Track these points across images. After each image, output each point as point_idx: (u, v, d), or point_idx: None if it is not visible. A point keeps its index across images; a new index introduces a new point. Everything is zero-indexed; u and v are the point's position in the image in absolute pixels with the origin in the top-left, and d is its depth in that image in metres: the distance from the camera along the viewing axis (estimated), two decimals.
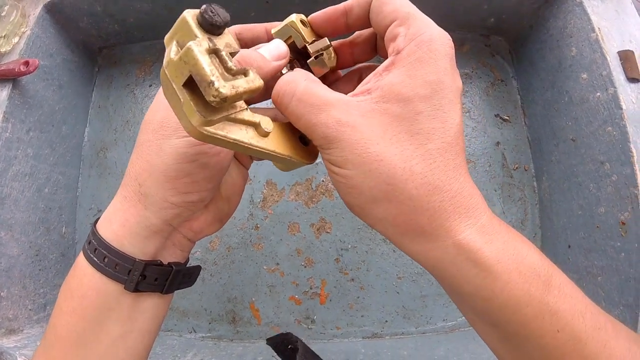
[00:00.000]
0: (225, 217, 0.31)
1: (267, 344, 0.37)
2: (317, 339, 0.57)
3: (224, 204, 0.30)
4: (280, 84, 0.23)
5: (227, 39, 0.22)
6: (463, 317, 0.57)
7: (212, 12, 0.20)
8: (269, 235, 0.59)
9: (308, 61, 0.27)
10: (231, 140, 0.21)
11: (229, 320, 0.57)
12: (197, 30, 0.20)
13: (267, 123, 0.22)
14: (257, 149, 0.22)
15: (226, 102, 0.17)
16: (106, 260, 0.26)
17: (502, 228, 0.22)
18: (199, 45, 0.17)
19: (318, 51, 0.27)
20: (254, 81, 0.19)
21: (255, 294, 0.57)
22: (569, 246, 0.57)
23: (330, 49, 0.28)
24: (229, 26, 0.23)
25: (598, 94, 0.52)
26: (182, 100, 0.18)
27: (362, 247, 0.58)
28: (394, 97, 0.21)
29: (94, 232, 0.27)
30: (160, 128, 0.25)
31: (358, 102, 0.22)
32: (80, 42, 0.66)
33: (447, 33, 0.22)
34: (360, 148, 0.21)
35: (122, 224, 0.27)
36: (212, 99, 0.17)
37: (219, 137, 0.20)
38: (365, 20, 0.25)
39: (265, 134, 0.22)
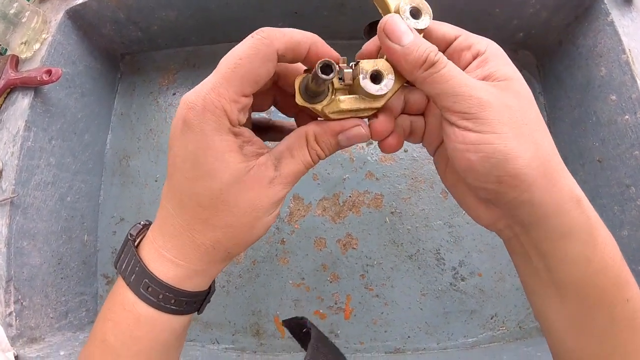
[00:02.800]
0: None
1: (282, 325, 0.39)
2: None
3: None
4: (430, 55, 0.24)
5: None
6: (483, 334, 0.57)
7: None
8: (295, 249, 0.58)
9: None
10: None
11: (252, 332, 0.57)
12: None
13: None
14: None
15: None
16: (174, 301, 0.26)
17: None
18: None
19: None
20: None
21: (279, 307, 0.57)
22: None
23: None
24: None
25: (627, 116, 0.51)
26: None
27: (388, 263, 0.57)
28: (504, 76, 0.25)
29: (169, 286, 0.26)
30: (252, 211, 0.26)
31: (481, 82, 0.24)
32: (103, 49, 0.64)
33: None
34: (508, 113, 0.23)
35: (207, 278, 0.28)
36: None
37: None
38: None
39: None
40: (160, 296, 0.26)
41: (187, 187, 0.25)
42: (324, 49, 0.26)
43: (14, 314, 0.51)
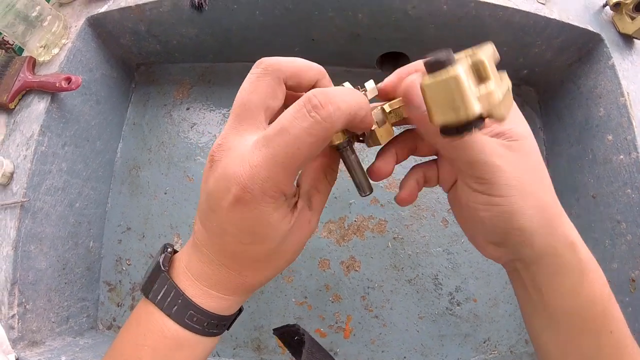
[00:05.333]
0: None
1: (273, 334, 0.40)
2: None
3: None
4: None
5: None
6: (476, 357, 0.58)
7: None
8: (299, 269, 0.59)
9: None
10: None
11: (253, 347, 0.57)
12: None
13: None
14: None
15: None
16: (217, 325, 0.28)
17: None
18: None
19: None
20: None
21: (282, 324, 0.57)
22: None
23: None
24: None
25: (621, 156, 0.53)
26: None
27: (388, 286, 0.58)
28: (517, 136, 0.26)
29: (217, 315, 0.28)
30: (298, 249, 0.28)
31: (494, 141, 0.26)
32: (119, 58, 0.64)
33: None
34: (517, 175, 0.25)
35: (242, 302, 0.30)
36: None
37: None
38: None
39: None
40: (206, 324, 0.27)
41: (241, 249, 0.26)
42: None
43: (17, 317, 0.51)
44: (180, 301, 0.27)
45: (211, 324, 0.28)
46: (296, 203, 0.27)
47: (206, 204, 0.26)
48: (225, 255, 0.27)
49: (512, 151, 0.26)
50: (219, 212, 0.25)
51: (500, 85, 0.20)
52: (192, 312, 0.27)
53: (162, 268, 0.28)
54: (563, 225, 0.26)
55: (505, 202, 0.25)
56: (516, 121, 0.27)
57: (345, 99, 0.22)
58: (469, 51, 0.22)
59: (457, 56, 0.20)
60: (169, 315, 0.27)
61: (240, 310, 0.31)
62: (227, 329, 0.31)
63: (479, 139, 0.25)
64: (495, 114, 0.20)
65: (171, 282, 0.27)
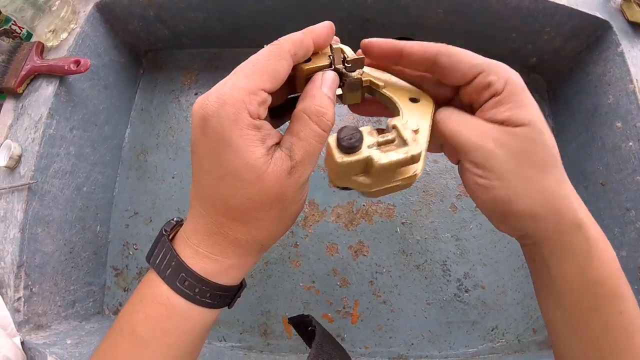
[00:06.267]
0: None
1: (288, 322, 0.39)
2: None
3: None
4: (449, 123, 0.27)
5: None
6: (483, 345, 0.58)
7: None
8: (307, 253, 0.58)
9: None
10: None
11: (260, 332, 0.57)
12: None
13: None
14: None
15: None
16: (209, 295, 0.27)
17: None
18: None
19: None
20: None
21: (288, 309, 0.57)
22: None
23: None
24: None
25: (630, 143, 0.53)
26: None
27: (396, 271, 0.58)
28: (521, 121, 0.25)
29: (206, 280, 0.27)
30: (278, 203, 0.26)
31: (492, 127, 0.26)
32: (127, 44, 0.64)
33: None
34: (515, 160, 0.25)
35: (242, 271, 0.29)
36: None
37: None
38: (418, 65, 0.29)
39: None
40: (197, 289, 0.26)
41: (214, 188, 0.25)
42: (320, 35, 0.28)
43: (23, 300, 0.50)
44: (173, 263, 0.27)
45: (203, 291, 0.27)
46: (274, 146, 0.26)
47: (190, 149, 0.26)
48: (203, 200, 0.26)
49: (512, 136, 0.25)
50: (194, 150, 0.26)
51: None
52: (183, 274, 0.26)
53: (164, 232, 0.28)
54: (570, 206, 0.26)
55: (502, 186, 0.25)
56: (516, 106, 0.26)
57: (291, 34, 0.27)
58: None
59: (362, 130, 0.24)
60: (163, 279, 0.27)
61: (241, 286, 0.30)
62: (229, 307, 0.30)
63: (475, 123, 0.26)
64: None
65: (168, 245, 0.27)
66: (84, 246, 0.60)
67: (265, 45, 0.26)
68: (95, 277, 0.62)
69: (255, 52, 0.26)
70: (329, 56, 0.29)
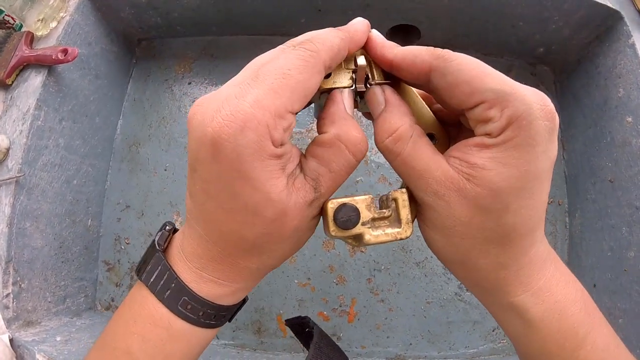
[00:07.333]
0: None
1: (285, 324, 0.38)
2: None
3: None
4: (386, 141, 0.23)
5: None
6: (484, 346, 0.56)
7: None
8: (303, 249, 0.56)
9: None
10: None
11: (254, 330, 0.55)
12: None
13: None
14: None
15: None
16: (214, 317, 0.25)
17: (559, 288, 0.24)
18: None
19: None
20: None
21: (283, 306, 0.55)
22: (594, 285, 0.56)
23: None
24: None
25: None
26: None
27: (395, 269, 0.56)
28: (487, 184, 0.21)
29: (212, 304, 0.25)
30: (295, 234, 0.24)
31: (453, 174, 0.22)
32: (120, 32, 0.62)
33: (550, 103, 0.21)
34: (450, 223, 0.22)
35: (249, 290, 0.27)
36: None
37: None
38: (416, 77, 0.24)
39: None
40: (201, 313, 0.24)
41: (223, 221, 0.22)
42: (358, 44, 0.24)
43: (12, 296, 0.49)
44: (174, 285, 0.24)
45: (207, 314, 0.25)
46: (294, 170, 0.22)
47: (189, 163, 0.22)
48: (209, 228, 0.23)
49: (459, 191, 0.22)
50: (197, 168, 0.21)
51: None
52: (186, 298, 0.24)
53: (157, 247, 0.25)
54: (505, 288, 0.24)
55: (458, 247, 0.24)
56: (506, 163, 0.21)
57: (329, 39, 0.22)
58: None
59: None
60: (162, 301, 0.24)
61: (244, 301, 0.28)
62: (229, 321, 0.28)
63: (441, 166, 0.22)
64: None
65: (165, 263, 0.24)
66: (75, 240, 0.58)
67: (280, 42, 0.22)
68: (87, 272, 0.60)
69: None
70: (351, 76, 0.25)
